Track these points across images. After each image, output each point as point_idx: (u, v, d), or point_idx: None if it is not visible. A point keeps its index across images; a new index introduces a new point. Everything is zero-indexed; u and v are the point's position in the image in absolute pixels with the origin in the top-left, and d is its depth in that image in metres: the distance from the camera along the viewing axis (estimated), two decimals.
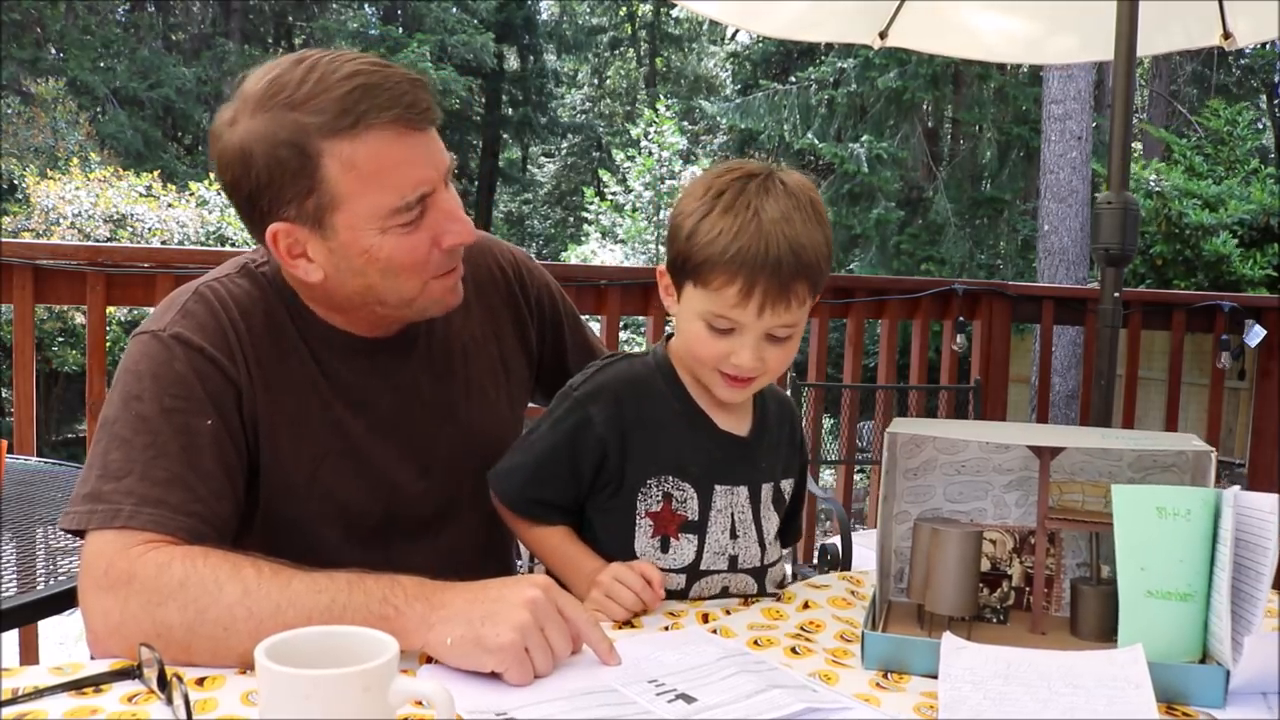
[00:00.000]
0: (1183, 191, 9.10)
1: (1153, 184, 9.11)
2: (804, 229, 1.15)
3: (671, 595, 1.24)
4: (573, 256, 15.20)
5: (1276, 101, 16.83)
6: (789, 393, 3.42)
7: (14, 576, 1.44)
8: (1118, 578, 1.04)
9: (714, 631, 1.14)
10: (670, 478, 1.23)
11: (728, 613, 1.21)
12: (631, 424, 1.23)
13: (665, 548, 1.23)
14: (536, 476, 1.25)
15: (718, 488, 1.25)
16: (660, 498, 1.23)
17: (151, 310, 1.25)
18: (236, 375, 1.17)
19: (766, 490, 1.29)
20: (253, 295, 1.23)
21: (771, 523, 1.31)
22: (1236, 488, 1.03)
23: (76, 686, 0.93)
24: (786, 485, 1.35)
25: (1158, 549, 1.03)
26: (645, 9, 23.33)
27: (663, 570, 1.22)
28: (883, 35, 3.37)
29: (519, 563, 1.45)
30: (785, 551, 1.45)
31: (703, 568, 1.25)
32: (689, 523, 1.24)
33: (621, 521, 1.24)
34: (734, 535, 1.26)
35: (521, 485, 1.26)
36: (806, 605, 1.24)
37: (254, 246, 1.29)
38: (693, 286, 1.18)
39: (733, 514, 1.26)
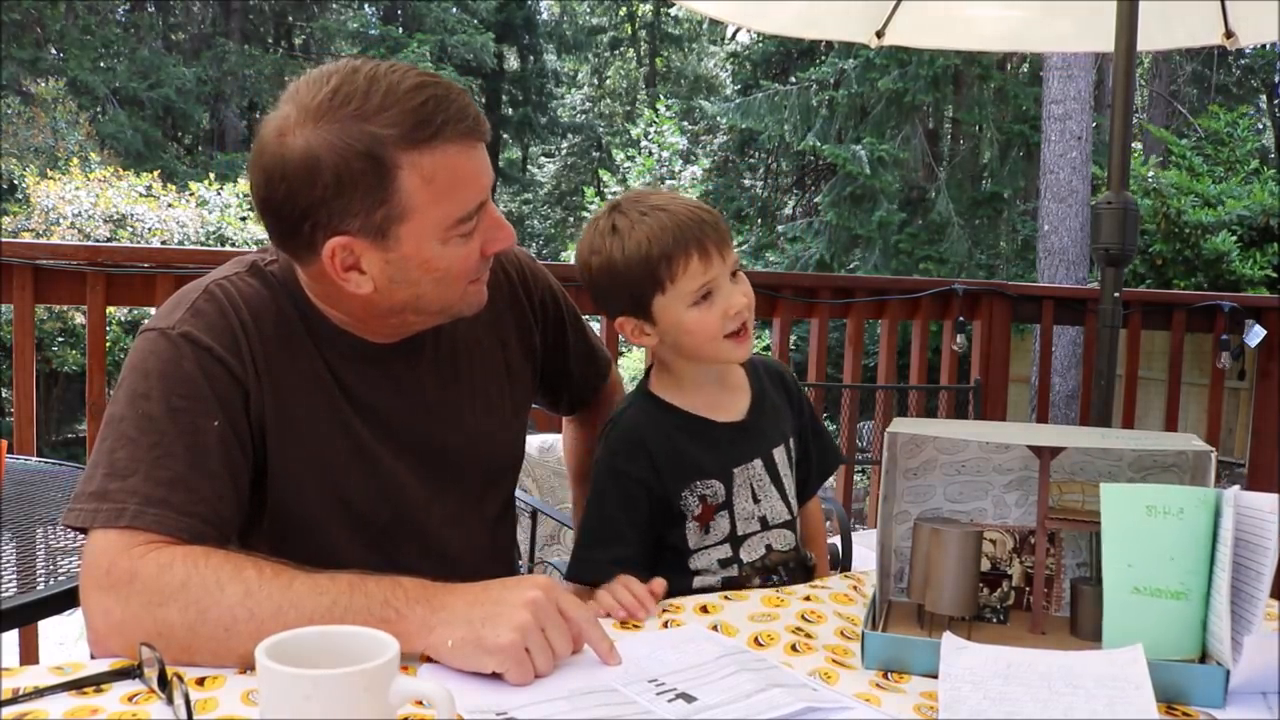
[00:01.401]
0: (1182, 190, 9.09)
1: (1150, 180, 9.09)
2: (685, 199, 1.35)
3: (726, 563, 1.38)
4: (573, 257, 15.17)
5: (1276, 102, 16.83)
6: None
7: (14, 576, 1.44)
8: (1103, 573, 1.04)
9: (714, 628, 1.14)
10: (697, 482, 1.36)
11: (726, 598, 1.22)
12: (656, 456, 1.35)
13: (708, 530, 1.38)
14: (605, 540, 1.35)
15: (735, 470, 1.38)
16: (697, 501, 1.36)
17: (155, 308, 1.24)
18: (244, 376, 1.17)
19: (779, 454, 1.43)
20: (263, 295, 1.22)
21: (790, 480, 1.44)
22: (1236, 487, 1.03)
23: (77, 686, 0.93)
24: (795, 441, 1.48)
25: (1145, 545, 1.03)
26: (645, 9, 23.33)
27: (710, 545, 1.37)
28: (879, 34, 3.38)
29: (520, 564, 1.46)
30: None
31: (739, 533, 1.39)
32: (720, 505, 1.38)
33: (682, 533, 1.37)
34: (756, 500, 1.40)
35: (595, 551, 1.35)
36: (808, 598, 1.25)
37: (255, 246, 1.28)
38: (662, 295, 1.32)
39: (751, 484, 1.40)
